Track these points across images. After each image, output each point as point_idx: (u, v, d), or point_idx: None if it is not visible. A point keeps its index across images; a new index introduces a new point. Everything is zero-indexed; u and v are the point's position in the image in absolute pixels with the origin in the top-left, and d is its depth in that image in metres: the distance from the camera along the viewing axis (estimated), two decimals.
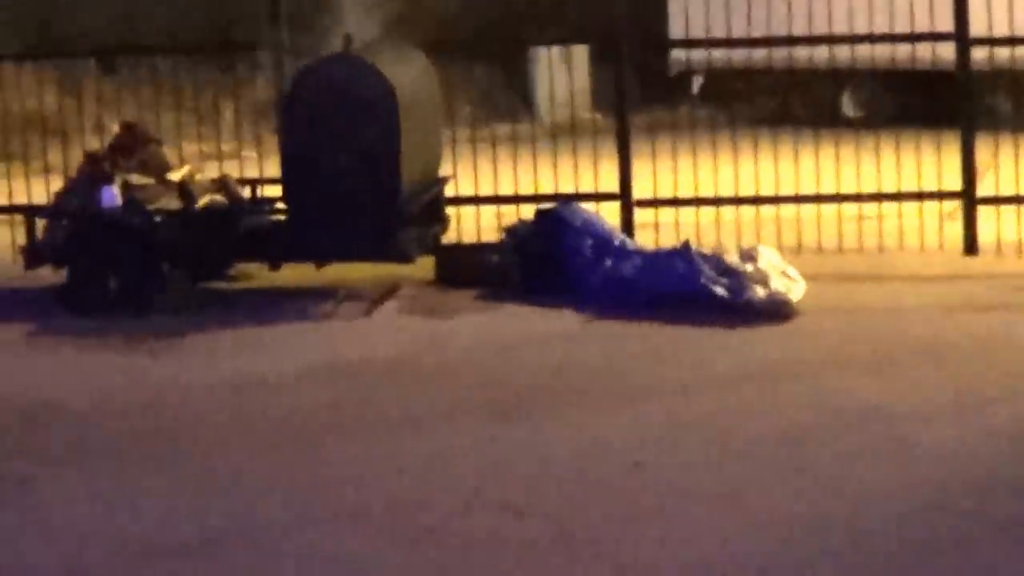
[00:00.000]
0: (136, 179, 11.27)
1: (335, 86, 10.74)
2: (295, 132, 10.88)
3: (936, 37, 12.69)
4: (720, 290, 10.35)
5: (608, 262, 10.99)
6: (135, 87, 14.78)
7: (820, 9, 12.71)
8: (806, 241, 12.33)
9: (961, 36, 12.21)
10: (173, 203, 11.40)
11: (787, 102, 23.16)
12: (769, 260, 10.76)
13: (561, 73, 16.30)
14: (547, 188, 12.62)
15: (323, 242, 10.87)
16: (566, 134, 13.15)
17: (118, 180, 11.20)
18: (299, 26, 12.46)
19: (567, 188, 12.64)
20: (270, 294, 11.55)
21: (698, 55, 17.67)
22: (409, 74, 11.33)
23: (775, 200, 12.74)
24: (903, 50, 13.18)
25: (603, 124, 14.78)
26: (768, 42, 13.12)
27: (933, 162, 12.29)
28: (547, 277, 11.22)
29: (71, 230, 11.09)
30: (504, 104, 23.49)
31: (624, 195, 12.76)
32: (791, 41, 12.99)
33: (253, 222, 11.36)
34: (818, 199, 12.62)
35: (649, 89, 22.73)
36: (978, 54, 12.48)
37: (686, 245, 11.17)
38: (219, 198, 11.81)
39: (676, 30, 20.23)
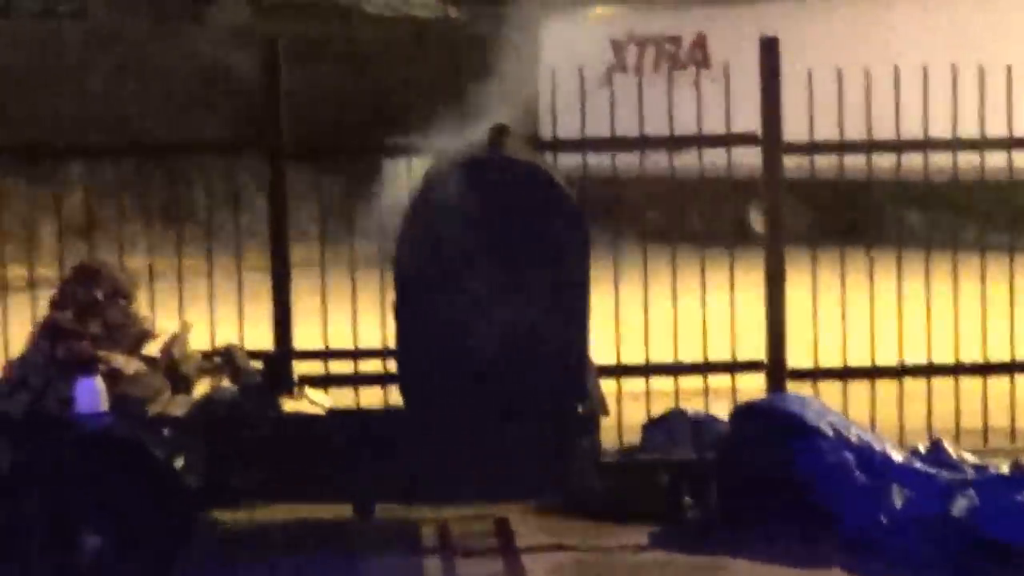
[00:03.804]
0: (124, 362, 6.30)
1: (495, 205, 6.00)
2: (418, 280, 6.07)
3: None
4: None
5: (899, 492, 6.47)
6: None
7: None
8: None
9: None
10: (175, 402, 6.48)
11: (682, 216, 18.97)
12: None
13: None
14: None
15: (463, 470, 6.07)
16: None
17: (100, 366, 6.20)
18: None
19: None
20: (319, 536, 6.77)
21: (571, 162, 13.18)
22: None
23: (983, 370, 8.47)
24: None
25: None
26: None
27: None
28: (769, 511, 6.65)
29: (20, 450, 6.04)
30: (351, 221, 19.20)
31: (775, 364, 8.30)
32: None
33: (321, 429, 6.49)
34: None
35: None
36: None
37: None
38: (226, 384, 6.97)
39: (546, 133, 15.30)
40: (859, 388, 8.43)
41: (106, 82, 20.79)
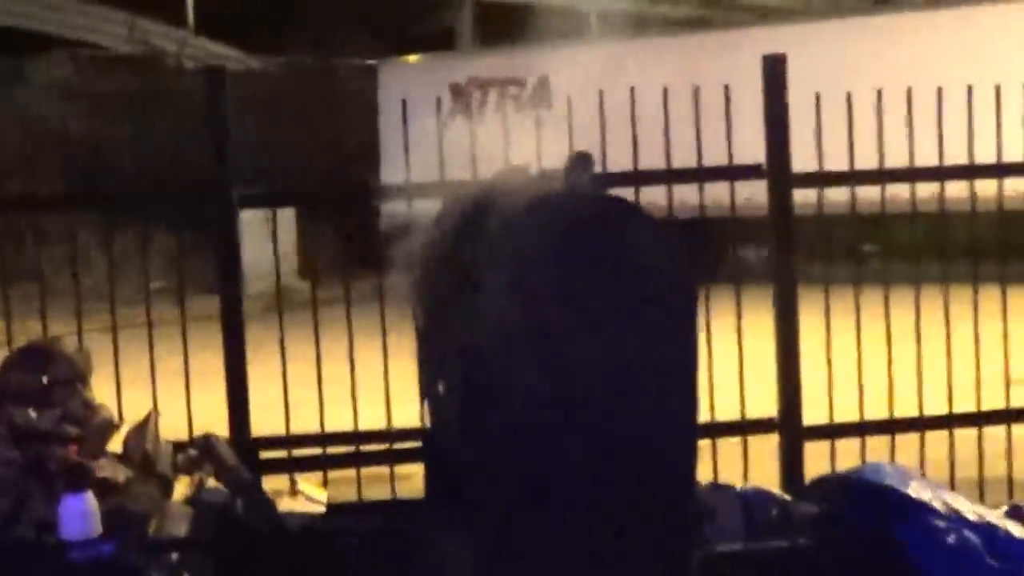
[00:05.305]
0: (111, 469, 4.76)
1: (588, 253, 4.54)
2: (487, 349, 4.51)
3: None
4: None
5: None
6: None
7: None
8: None
9: None
10: (173, 517, 4.96)
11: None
12: None
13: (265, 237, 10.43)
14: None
15: None
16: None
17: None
18: None
19: None
20: None
21: (424, 205, 11.67)
22: None
23: (1006, 417, 7.43)
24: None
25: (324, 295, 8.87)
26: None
27: None
28: None
29: None
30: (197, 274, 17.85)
31: (790, 422, 7.08)
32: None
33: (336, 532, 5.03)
34: None
35: (355, 252, 17.44)
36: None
37: None
38: (213, 483, 5.47)
39: (391, 177, 13.92)
40: (875, 443, 7.31)
41: None
